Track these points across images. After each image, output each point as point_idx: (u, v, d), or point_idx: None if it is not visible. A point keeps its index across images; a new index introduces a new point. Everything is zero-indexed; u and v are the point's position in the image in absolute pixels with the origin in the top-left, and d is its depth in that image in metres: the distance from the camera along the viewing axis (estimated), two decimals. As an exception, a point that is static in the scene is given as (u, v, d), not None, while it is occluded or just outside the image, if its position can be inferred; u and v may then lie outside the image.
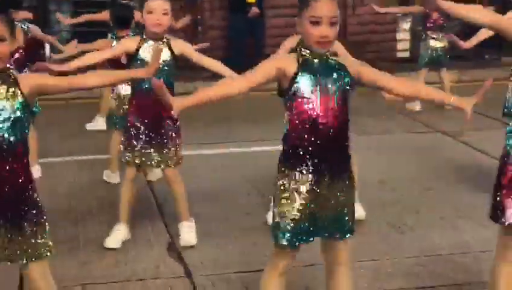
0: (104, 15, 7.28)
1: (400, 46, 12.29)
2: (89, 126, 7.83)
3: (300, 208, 2.99)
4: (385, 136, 7.67)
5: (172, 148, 4.52)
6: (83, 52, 4.69)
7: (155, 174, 5.84)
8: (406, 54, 12.05)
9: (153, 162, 4.52)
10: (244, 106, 8.85)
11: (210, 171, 6.33)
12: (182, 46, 4.49)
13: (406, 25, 12.16)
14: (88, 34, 7.55)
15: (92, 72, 3.23)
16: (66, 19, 8.22)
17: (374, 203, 5.38)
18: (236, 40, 10.84)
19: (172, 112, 2.86)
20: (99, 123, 7.62)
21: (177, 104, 2.85)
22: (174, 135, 4.53)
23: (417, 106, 8.76)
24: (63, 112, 8.64)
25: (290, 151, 3.01)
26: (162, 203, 5.40)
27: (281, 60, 3.05)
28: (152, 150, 4.48)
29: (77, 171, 6.36)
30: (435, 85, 8.67)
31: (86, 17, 7.93)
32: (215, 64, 4.44)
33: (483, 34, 5.80)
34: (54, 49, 10.29)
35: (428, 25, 8.76)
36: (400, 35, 12.35)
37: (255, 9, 10.86)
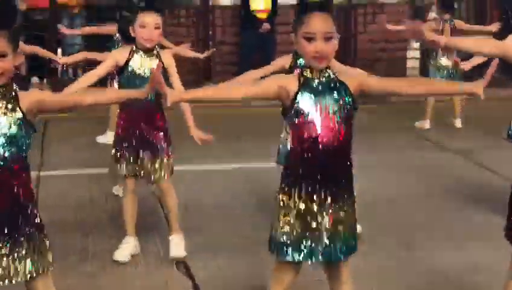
0: (110, 28, 7.29)
1: (409, 64, 12.31)
2: (100, 139, 7.85)
3: (299, 224, 3.00)
4: (395, 153, 7.64)
5: (165, 159, 4.52)
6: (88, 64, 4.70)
7: None
8: (416, 72, 12.06)
9: (145, 173, 4.51)
10: (253, 122, 8.90)
11: (219, 187, 6.34)
12: (169, 62, 4.48)
13: (416, 44, 12.17)
14: (99, 48, 7.63)
15: (90, 90, 3.24)
16: (67, 30, 8.22)
17: (383, 221, 5.36)
18: (247, 55, 10.90)
19: (168, 103, 2.89)
20: (109, 138, 7.63)
21: (173, 96, 2.90)
22: (165, 145, 4.53)
23: (426, 124, 8.74)
24: (74, 125, 8.67)
25: (291, 168, 3.04)
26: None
27: (284, 79, 3.08)
28: (145, 162, 4.48)
29: (87, 184, 6.37)
30: (445, 102, 8.68)
31: (91, 30, 7.92)
32: None
33: (479, 59, 5.77)
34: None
35: None
36: (409, 54, 12.37)
37: (266, 26, 10.94)
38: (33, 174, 6.71)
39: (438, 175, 6.73)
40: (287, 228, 3.01)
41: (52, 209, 5.47)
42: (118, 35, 6.71)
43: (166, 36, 7.12)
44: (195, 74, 10.81)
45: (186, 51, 6.51)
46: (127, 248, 4.60)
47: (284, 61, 4.80)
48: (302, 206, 2.99)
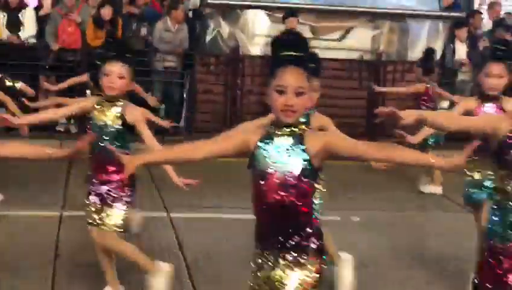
0: (83, 77, 7.96)
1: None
2: None
3: (255, 281, 3.00)
4: (421, 213, 7.56)
5: (115, 211, 4.41)
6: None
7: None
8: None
9: (90, 220, 4.47)
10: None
11: (238, 235, 6.26)
12: (135, 118, 4.40)
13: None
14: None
15: (14, 143, 3.24)
16: (51, 86, 8.59)
17: (406, 282, 5.31)
18: (274, 106, 10.91)
19: (125, 172, 2.91)
20: None
21: (130, 164, 2.90)
22: (119, 196, 4.42)
23: (438, 190, 8.39)
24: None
25: (255, 221, 3.03)
26: (191, 262, 5.35)
27: (248, 133, 3.04)
28: (98, 208, 4.42)
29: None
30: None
31: (69, 82, 8.31)
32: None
33: (427, 131, 5.40)
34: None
35: (421, 101, 8.40)
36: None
37: (294, 78, 10.97)
38: (56, 214, 6.76)
39: (464, 236, 6.61)
40: (250, 284, 3.02)
41: (73, 250, 5.47)
42: None
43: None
44: (223, 123, 10.85)
45: (151, 115, 6.08)
46: None
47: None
48: (258, 261, 3.00)
